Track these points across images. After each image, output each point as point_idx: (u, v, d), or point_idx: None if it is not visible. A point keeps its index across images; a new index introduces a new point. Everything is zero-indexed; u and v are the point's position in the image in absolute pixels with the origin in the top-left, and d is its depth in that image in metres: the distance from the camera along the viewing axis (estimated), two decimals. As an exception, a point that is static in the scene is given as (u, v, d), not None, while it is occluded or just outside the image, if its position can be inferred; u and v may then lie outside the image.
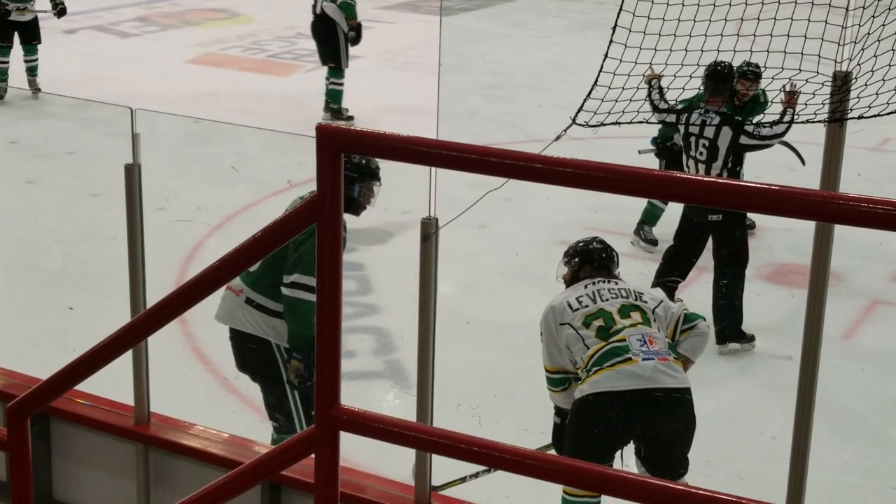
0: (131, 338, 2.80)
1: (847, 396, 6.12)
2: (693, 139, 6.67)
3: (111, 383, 4.15)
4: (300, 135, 4.69)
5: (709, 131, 6.57)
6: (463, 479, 4.81)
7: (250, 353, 4.82)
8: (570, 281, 4.81)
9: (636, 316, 4.56)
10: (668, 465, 4.53)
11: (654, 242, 8.08)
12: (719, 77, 6.67)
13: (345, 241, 4.69)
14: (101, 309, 6.80)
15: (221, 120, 10.71)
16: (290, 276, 4.61)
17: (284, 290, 4.62)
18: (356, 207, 4.92)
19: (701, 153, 6.61)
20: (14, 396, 3.17)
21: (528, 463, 2.18)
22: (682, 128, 6.77)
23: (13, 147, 10.54)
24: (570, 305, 4.60)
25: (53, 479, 4.54)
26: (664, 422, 4.44)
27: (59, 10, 11.73)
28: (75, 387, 2.96)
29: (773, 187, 1.89)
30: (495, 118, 11.69)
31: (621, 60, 4.03)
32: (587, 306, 4.59)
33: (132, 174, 4.17)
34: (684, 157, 6.81)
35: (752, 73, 7.53)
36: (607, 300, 4.60)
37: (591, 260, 4.81)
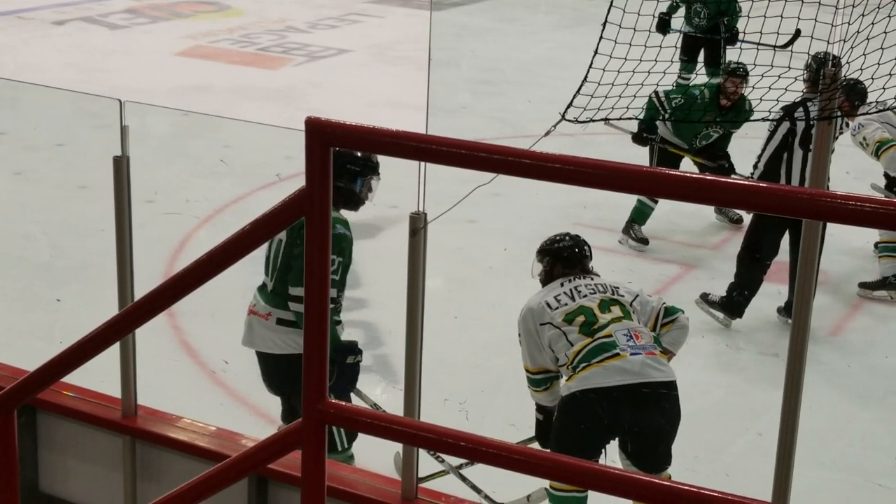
0: (119, 330, 2.80)
1: (833, 393, 6.14)
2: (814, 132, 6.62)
3: (98, 376, 4.14)
4: (289, 128, 4.68)
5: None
6: (445, 472, 4.83)
7: (286, 372, 4.75)
8: (546, 279, 4.81)
9: (616, 310, 4.58)
10: (654, 458, 4.55)
11: (644, 241, 8.07)
12: (817, 65, 6.45)
13: (351, 239, 4.70)
14: (88, 301, 6.79)
15: (210, 113, 10.68)
16: (294, 288, 4.60)
17: (292, 306, 4.62)
18: (356, 203, 4.90)
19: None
20: (0, 388, 3.17)
21: (515, 458, 2.18)
22: (800, 125, 6.62)
23: (1, 138, 10.50)
24: (548, 305, 4.61)
25: (40, 472, 4.53)
26: (652, 416, 4.45)
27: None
28: (62, 379, 2.95)
29: (762, 185, 1.90)
30: (485, 113, 11.69)
31: (611, 57, 4.02)
32: (566, 304, 4.59)
33: (121, 166, 4.16)
34: (798, 151, 6.66)
35: (742, 70, 7.54)
36: (586, 296, 4.62)
37: (565, 257, 4.81)
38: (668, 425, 4.50)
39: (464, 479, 4.81)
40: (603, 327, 4.50)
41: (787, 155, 6.74)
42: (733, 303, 6.86)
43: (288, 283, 4.66)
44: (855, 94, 6.94)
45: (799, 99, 6.75)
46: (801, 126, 6.64)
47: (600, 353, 4.43)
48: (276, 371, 4.84)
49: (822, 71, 6.37)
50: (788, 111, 6.62)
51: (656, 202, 8.03)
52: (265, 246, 4.78)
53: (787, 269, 6.88)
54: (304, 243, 4.44)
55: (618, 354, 4.42)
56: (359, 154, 4.78)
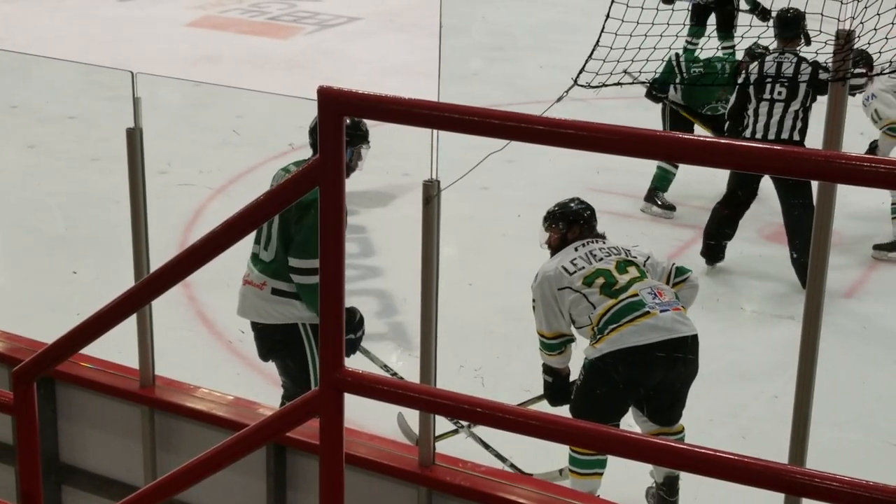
0: (136, 301, 2.81)
1: (849, 355, 6.14)
2: (768, 83, 6.87)
3: (116, 347, 4.17)
4: (302, 98, 4.67)
5: (788, 71, 6.85)
6: (456, 431, 4.88)
7: (280, 341, 4.79)
8: (558, 245, 4.84)
9: (633, 271, 4.64)
10: (671, 414, 4.63)
11: (671, 208, 8.02)
12: (786, 22, 6.94)
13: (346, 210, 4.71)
14: (104, 273, 6.82)
15: (222, 83, 10.67)
16: (295, 260, 4.60)
17: (295, 278, 4.62)
18: (347, 171, 4.89)
19: (779, 93, 6.83)
20: (19, 360, 3.19)
21: (532, 423, 2.19)
22: (752, 76, 7.00)
23: (14, 111, 10.51)
24: (565, 270, 4.64)
25: (60, 442, 4.57)
26: (682, 369, 4.54)
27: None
28: (80, 350, 2.97)
29: (775, 147, 1.89)
30: (496, 80, 11.65)
31: (623, 20, 4.00)
32: (583, 268, 4.63)
33: (134, 138, 4.16)
34: (752, 102, 6.96)
35: (764, 50, 7.58)
36: (601, 259, 4.66)
37: (577, 221, 4.85)
38: (692, 377, 4.59)
39: (487, 446, 4.85)
40: (625, 288, 4.54)
41: (748, 104, 7.04)
42: (712, 249, 7.14)
43: (289, 255, 4.65)
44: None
45: (760, 52, 7.29)
46: (753, 78, 7.01)
47: (630, 312, 4.48)
48: (267, 340, 4.86)
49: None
50: (747, 64, 7.13)
51: (677, 167, 8.00)
52: None
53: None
54: (302, 214, 4.47)
55: (648, 312, 4.47)
56: (348, 121, 4.77)
